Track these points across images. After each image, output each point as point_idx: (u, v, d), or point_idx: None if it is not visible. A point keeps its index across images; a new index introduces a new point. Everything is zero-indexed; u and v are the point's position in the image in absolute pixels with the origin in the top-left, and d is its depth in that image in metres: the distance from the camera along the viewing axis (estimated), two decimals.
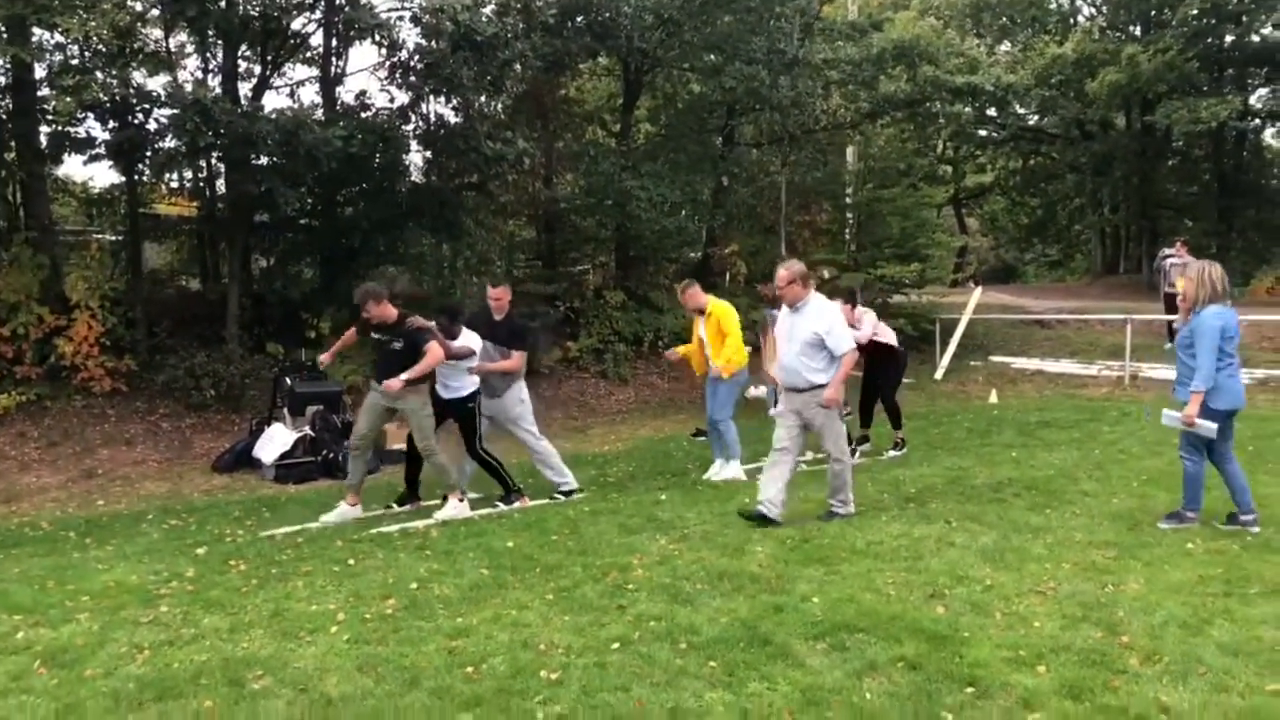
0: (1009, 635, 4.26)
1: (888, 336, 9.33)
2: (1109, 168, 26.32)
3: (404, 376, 6.98)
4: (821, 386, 6.37)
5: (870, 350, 9.09)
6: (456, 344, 7.41)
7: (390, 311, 7.21)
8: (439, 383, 7.51)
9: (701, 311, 8.46)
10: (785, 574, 5.27)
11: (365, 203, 13.58)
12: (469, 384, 7.52)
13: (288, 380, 10.89)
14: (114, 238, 14.41)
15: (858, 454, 8.93)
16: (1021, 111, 26.28)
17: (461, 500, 7.36)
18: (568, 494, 7.85)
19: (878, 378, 9.38)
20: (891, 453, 9.12)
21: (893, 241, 17.84)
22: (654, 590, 5.06)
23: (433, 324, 7.31)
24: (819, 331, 6.31)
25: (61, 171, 14.83)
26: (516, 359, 7.68)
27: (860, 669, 3.92)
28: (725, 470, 8.45)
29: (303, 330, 13.41)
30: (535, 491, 8.08)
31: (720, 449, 8.54)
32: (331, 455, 10.03)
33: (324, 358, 7.82)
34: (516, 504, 7.60)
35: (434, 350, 7.07)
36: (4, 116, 11.92)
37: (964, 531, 6.08)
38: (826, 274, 17.91)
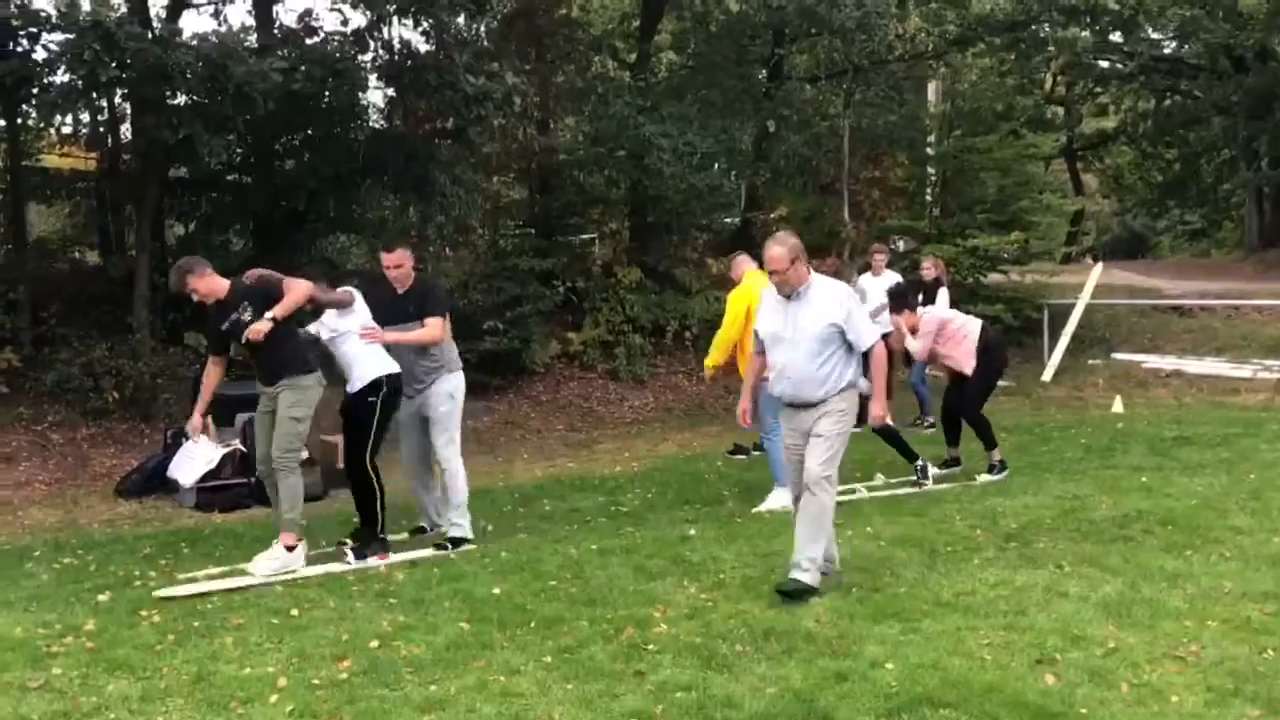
0: (1139, 713, 4.27)
1: (970, 332, 9.29)
2: (1268, 109, 26.17)
3: (268, 315, 6.68)
4: (839, 392, 6.03)
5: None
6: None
7: (220, 283, 7.00)
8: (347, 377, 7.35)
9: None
10: (849, 632, 5.30)
11: (311, 154, 13.66)
12: (376, 367, 7.25)
13: None
14: None
15: (930, 480, 8.94)
16: (1155, 36, 26.17)
17: (292, 549, 6.93)
18: (455, 544, 7.50)
19: (960, 384, 9.35)
20: (986, 477, 9.11)
21: (987, 205, 17.81)
22: (681, 652, 5.11)
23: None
24: (835, 321, 5.98)
25: None
26: (434, 325, 7.47)
27: None
28: (771, 499, 8.52)
29: None
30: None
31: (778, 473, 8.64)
32: (255, 479, 10.09)
33: (194, 423, 7.67)
34: (372, 559, 7.09)
35: (298, 283, 6.88)
36: None
37: (1080, 578, 6.10)
38: (902, 245, 17.96)
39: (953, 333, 9.33)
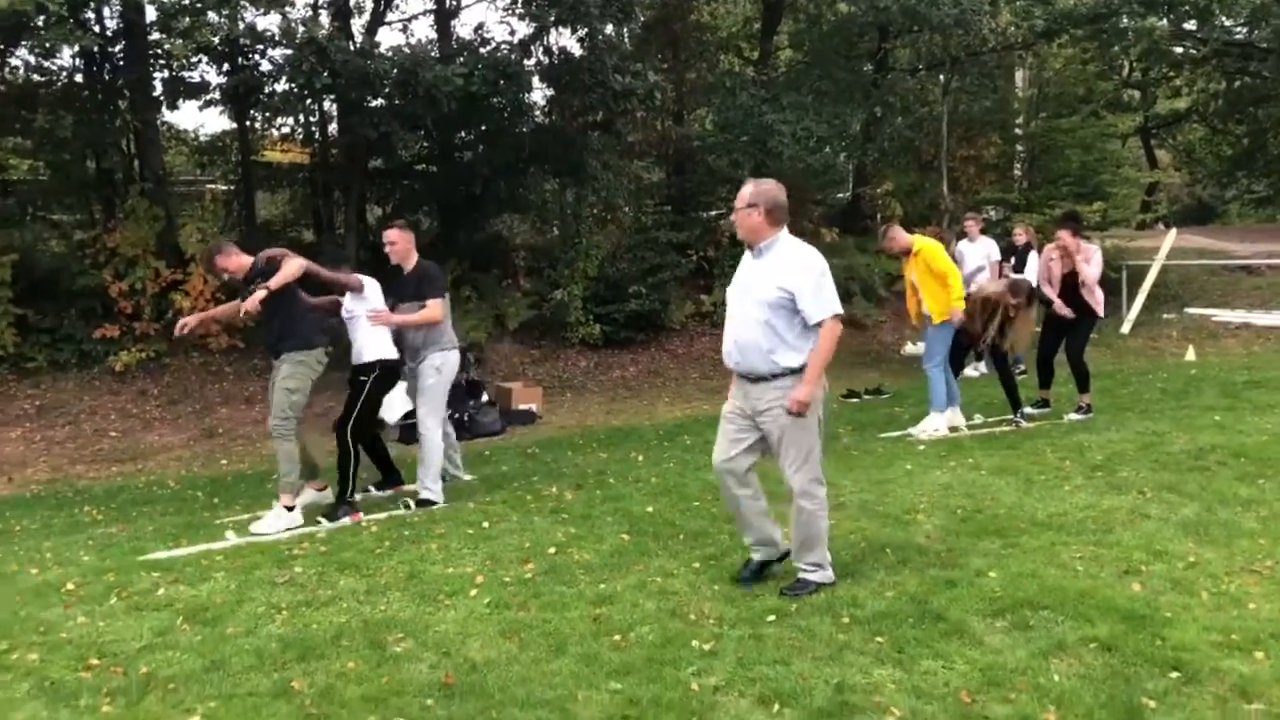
0: (1219, 617, 4.16)
1: (1097, 288, 8.95)
2: None
3: (261, 286, 6.39)
4: (792, 373, 4.64)
5: (1064, 298, 8.82)
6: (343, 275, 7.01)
7: (245, 260, 6.82)
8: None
9: (907, 253, 8.58)
10: (956, 547, 5.26)
11: (485, 146, 13.84)
12: (375, 351, 6.93)
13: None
14: (225, 187, 15.11)
15: (1024, 421, 8.73)
16: (1228, 23, 24.78)
17: (291, 509, 6.55)
18: (420, 504, 6.89)
19: (1067, 331, 9.00)
20: (1074, 416, 8.85)
21: (1071, 178, 17.23)
22: None
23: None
24: (785, 286, 4.60)
25: (171, 120, 15.60)
26: (433, 307, 6.98)
27: (1046, 649, 3.90)
28: (930, 422, 8.58)
29: None
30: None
31: (953, 396, 8.74)
32: (456, 415, 10.36)
33: (190, 320, 7.24)
34: (344, 518, 6.56)
35: (292, 260, 6.57)
36: (118, 63, 12.58)
37: (1160, 503, 5.93)
38: (993, 214, 17.47)
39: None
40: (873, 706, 3.49)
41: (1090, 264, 8.75)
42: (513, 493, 7.16)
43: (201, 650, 4.28)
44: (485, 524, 6.19)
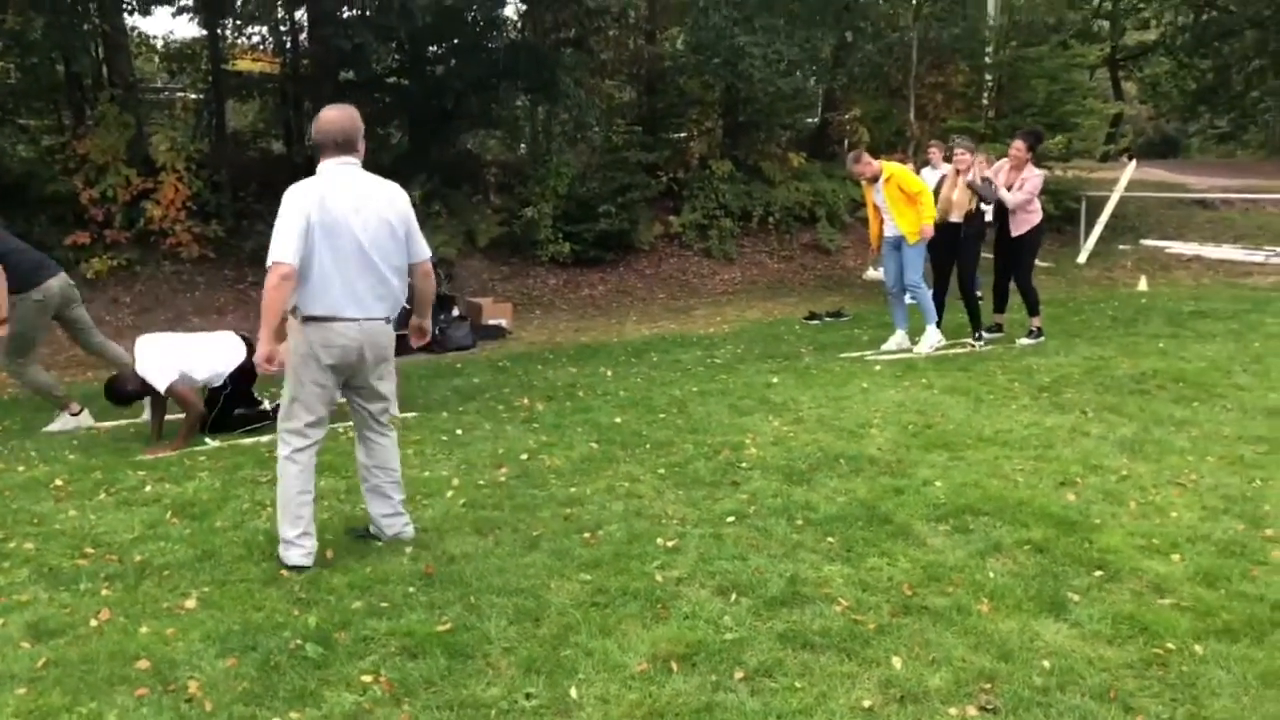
0: (1143, 524, 4.48)
1: (1036, 210, 9.20)
2: None
3: None
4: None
5: (1005, 221, 9.09)
6: None
7: None
8: None
9: (876, 178, 8.78)
10: (906, 458, 5.56)
11: (457, 60, 13.76)
12: None
13: None
14: (195, 96, 14.96)
15: (978, 344, 9.06)
16: None
17: (78, 413, 6.93)
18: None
19: (1015, 256, 9.29)
20: (1025, 340, 9.16)
21: (1037, 108, 17.32)
22: (768, 469, 5.41)
23: None
24: (405, 204, 4.23)
25: (140, 25, 15.36)
26: None
27: (984, 550, 4.21)
28: (929, 338, 8.95)
29: None
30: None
31: (904, 319, 9.15)
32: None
33: None
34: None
35: None
36: None
37: (1101, 422, 6.26)
38: (956, 141, 17.60)
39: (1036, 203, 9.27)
40: (822, 597, 3.78)
41: (1027, 183, 8.98)
42: (485, 403, 7.37)
43: (192, 541, 4.50)
44: (459, 431, 6.41)
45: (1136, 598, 3.75)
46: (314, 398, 4.19)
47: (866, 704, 3.04)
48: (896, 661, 3.28)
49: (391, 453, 4.46)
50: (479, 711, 3.04)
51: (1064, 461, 5.44)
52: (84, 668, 3.33)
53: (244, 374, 6.52)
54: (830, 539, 4.36)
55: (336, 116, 4.15)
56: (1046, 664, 3.26)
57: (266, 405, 6.73)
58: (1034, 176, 9.10)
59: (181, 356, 6.30)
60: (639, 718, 2.99)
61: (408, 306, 4.46)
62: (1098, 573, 3.97)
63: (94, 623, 3.69)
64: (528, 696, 3.12)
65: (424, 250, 4.30)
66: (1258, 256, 14.54)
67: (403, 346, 4.59)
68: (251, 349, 6.27)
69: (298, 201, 4.01)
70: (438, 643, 3.44)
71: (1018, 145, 9.18)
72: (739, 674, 3.21)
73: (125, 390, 6.47)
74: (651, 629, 3.53)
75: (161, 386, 6.14)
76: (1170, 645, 3.37)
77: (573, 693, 3.13)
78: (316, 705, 3.09)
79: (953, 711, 3.00)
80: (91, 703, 3.12)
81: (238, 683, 3.23)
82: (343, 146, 4.12)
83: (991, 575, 3.96)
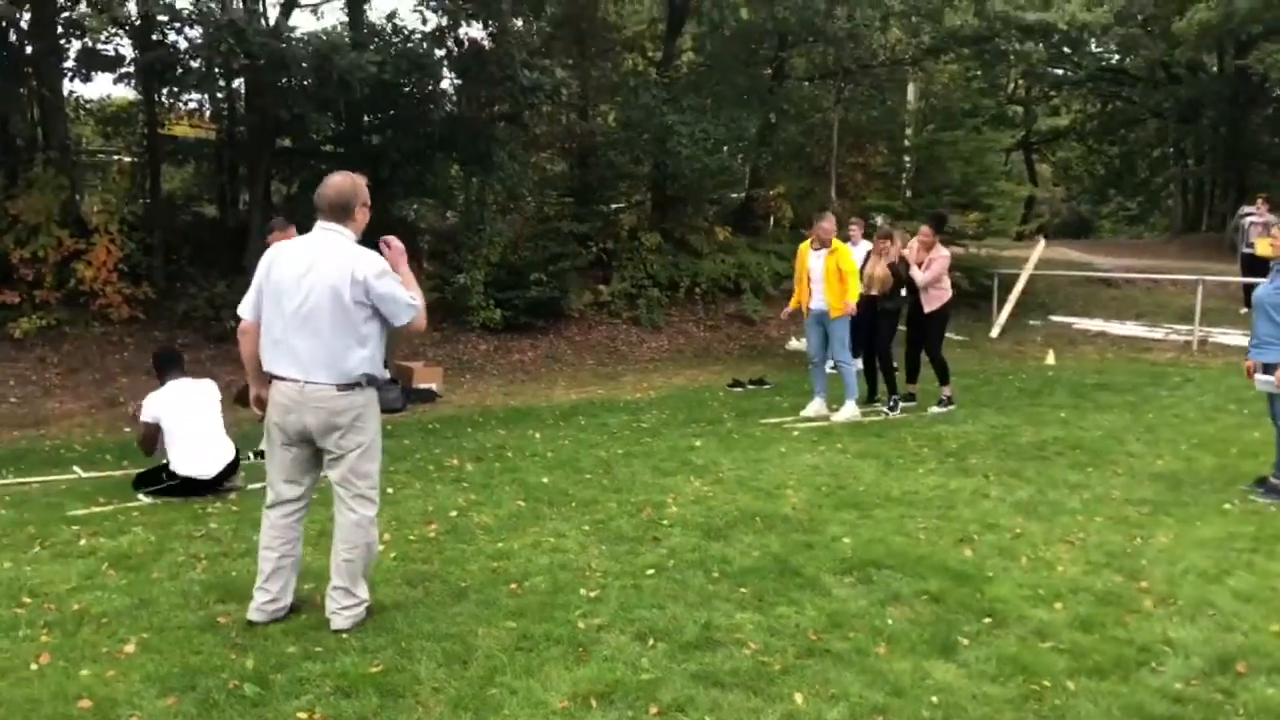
0: (1031, 577, 4.84)
1: (946, 288, 9.73)
2: (1195, 114, 26.34)
3: None
4: (358, 386, 4.20)
5: (919, 297, 9.59)
6: None
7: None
8: None
9: (826, 245, 9.24)
10: (818, 517, 5.89)
11: (394, 131, 14.08)
12: None
13: None
14: (130, 159, 15.05)
15: (892, 412, 9.50)
16: (1100, 51, 26.26)
17: None
18: None
19: (926, 330, 9.79)
20: (935, 409, 9.61)
21: (952, 188, 18.14)
22: (688, 526, 5.70)
23: None
24: (362, 276, 4.09)
25: (78, 90, 15.45)
26: None
27: (885, 599, 4.52)
28: (846, 410, 9.30)
29: None
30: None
31: (824, 387, 9.59)
32: None
33: None
34: None
35: None
36: (24, 29, 12.51)
37: (1001, 485, 6.67)
38: (880, 221, 18.34)
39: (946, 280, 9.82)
40: (733, 641, 4.05)
41: (934, 263, 9.52)
42: (415, 464, 7.57)
43: (129, 591, 4.64)
44: (390, 490, 6.58)
45: (1020, 641, 4.08)
46: (279, 455, 4.29)
47: None
48: (799, 697, 3.56)
49: (346, 533, 4.27)
50: None
51: (964, 521, 5.81)
52: (27, 707, 3.47)
53: None
54: (743, 589, 4.64)
55: (331, 182, 4.25)
56: (934, 699, 3.56)
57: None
58: (940, 257, 9.65)
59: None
60: None
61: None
62: (987, 619, 4.30)
63: (34, 666, 3.82)
64: None
65: (400, 317, 4.20)
66: (1158, 333, 15.31)
67: None
68: None
69: (261, 263, 4.27)
70: (370, 683, 3.64)
71: (924, 230, 9.81)
72: (653, 709, 3.46)
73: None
74: (573, 670, 3.77)
75: None
76: (1046, 682, 3.69)
77: None
78: None
79: None
80: None
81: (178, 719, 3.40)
82: (327, 212, 4.20)
83: (890, 621, 4.27)
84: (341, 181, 4.25)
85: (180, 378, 6.94)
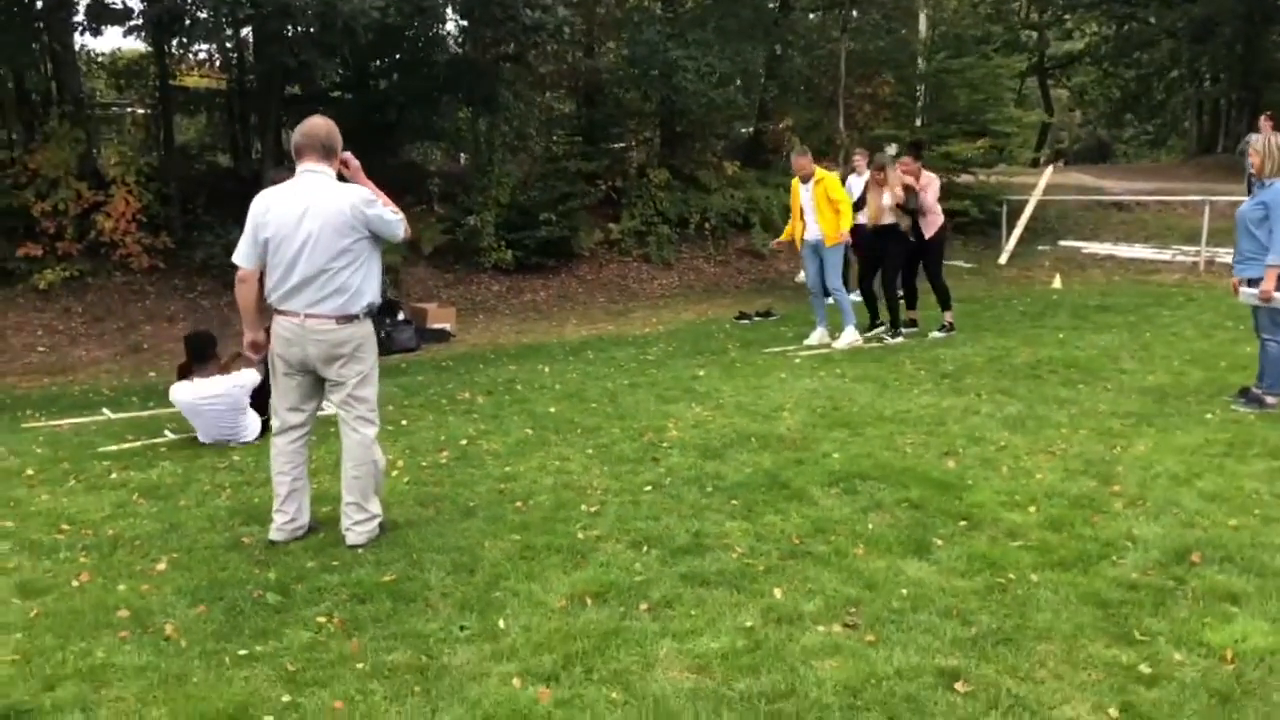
0: (1009, 484, 5.09)
1: (939, 213, 9.88)
2: (1210, 33, 26.04)
3: None
4: (356, 319, 4.46)
5: (918, 225, 9.74)
6: None
7: None
8: None
9: (809, 177, 9.43)
10: (811, 436, 6.15)
11: (400, 75, 14.24)
12: None
13: None
14: (143, 111, 15.28)
15: (893, 338, 9.71)
16: None
17: None
18: None
19: (926, 255, 9.94)
20: (936, 333, 9.81)
21: (961, 116, 18.12)
22: (686, 448, 5.97)
23: None
24: (356, 208, 4.36)
25: (89, 44, 15.65)
26: None
27: (867, 507, 4.79)
28: (847, 336, 9.56)
29: None
30: None
31: (824, 317, 9.88)
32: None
33: None
34: None
35: None
36: None
37: (991, 403, 6.90)
38: (892, 149, 18.35)
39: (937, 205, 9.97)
40: (721, 546, 4.34)
41: (926, 191, 9.67)
42: (429, 398, 7.87)
43: (159, 518, 4.97)
44: (404, 422, 6.91)
45: (991, 541, 4.35)
46: (282, 384, 4.57)
47: (749, 624, 3.59)
48: (778, 592, 3.85)
49: (352, 452, 4.49)
50: (420, 640, 3.55)
51: (951, 436, 6.05)
52: (71, 617, 3.80)
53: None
54: (734, 501, 4.92)
55: (318, 123, 4.42)
56: (905, 591, 3.84)
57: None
58: (931, 181, 9.79)
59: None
60: (557, 640, 3.52)
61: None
62: (962, 523, 4.56)
63: (75, 583, 4.15)
64: (462, 628, 3.64)
65: (396, 232, 4.48)
66: (1165, 255, 15.40)
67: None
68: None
69: (252, 210, 4.42)
70: (384, 590, 3.95)
71: (905, 161, 9.94)
72: (644, 606, 3.76)
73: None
74: (571, 575, 4.06)
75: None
76: (1012, 576, 3.96)
77: (501, 624, 3.65)
78: (278, 639, 3.58)
79: (821, 629, 3.57)
80: (81, 643, 3.59)
81: (208, 625, 3.71)
82: (319, 153, 4.37)
83: (870, 527, 4.54)
84: (329, 123, 4.47)
85: (206, 373, 6.56)
